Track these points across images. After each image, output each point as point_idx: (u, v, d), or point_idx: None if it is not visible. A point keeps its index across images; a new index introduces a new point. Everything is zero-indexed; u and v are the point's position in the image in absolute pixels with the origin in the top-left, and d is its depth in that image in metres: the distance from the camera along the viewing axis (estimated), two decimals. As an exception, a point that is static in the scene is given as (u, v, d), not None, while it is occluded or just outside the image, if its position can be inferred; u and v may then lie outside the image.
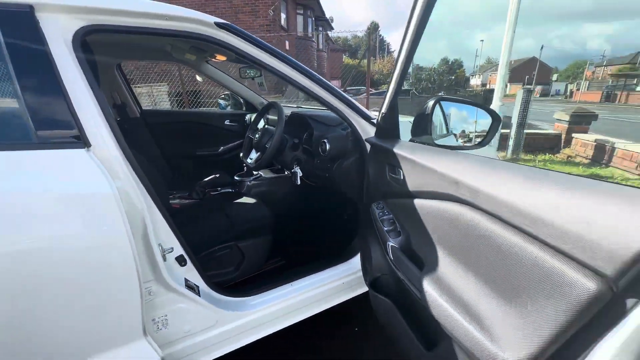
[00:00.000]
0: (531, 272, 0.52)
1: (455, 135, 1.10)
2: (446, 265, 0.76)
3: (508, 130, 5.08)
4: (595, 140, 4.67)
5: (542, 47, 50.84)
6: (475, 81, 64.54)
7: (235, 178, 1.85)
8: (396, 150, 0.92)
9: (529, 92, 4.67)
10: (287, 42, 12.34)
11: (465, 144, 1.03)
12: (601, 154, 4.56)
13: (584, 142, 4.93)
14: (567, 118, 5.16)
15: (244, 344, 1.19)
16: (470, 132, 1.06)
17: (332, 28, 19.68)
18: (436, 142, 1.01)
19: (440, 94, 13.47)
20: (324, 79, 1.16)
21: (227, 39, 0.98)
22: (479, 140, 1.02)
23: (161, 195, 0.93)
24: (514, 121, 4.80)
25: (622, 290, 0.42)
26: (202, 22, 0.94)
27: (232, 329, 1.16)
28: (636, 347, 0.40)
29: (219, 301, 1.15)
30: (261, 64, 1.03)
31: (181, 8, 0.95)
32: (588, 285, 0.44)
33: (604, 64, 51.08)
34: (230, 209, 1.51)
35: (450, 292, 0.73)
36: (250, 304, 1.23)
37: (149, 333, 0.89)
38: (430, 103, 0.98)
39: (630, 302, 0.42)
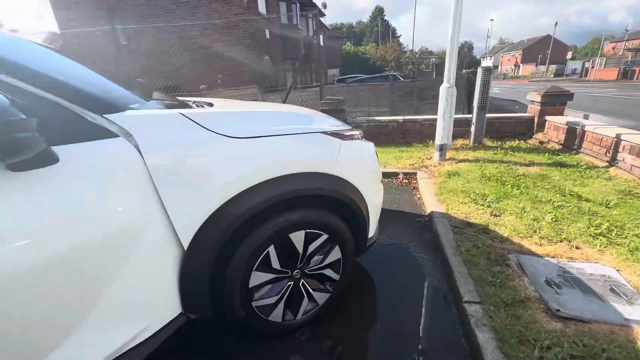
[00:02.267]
0: None
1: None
2: None
3: (470, 115, 4.60)
4: (567, 123, 4.16)
5: (556, 24, 48.03)
6: (486, 63, 61.85)
7: None
8: None
9: (488, 72, 4.17)
10: (267, 31, 11.88)
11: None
12: (572, 139, 4.05)
13: (556, 125, 4.41)
14: (539, 99, 4.63)
15: None
16: None
17: (323, 14, 18.97)
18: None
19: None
20: None
21: None
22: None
23: None
24: (475, 104, 4.33)
25: None
26: None
27: None
28: None
29: None
30: None
31: None
32: None
33: (625, 38, 47.81)
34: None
35: None
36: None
37: None
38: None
39: None
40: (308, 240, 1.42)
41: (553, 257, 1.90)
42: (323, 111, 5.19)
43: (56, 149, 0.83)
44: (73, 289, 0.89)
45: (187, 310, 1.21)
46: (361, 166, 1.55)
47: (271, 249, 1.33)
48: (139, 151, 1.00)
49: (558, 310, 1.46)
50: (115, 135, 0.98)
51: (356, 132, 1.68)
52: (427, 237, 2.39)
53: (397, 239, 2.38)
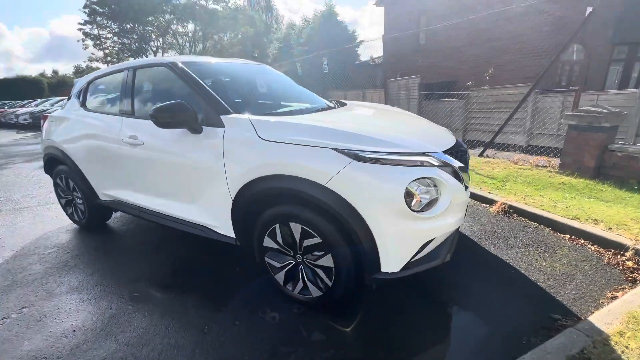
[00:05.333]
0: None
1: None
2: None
3: None
4: None
5: None
6: None
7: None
8: None
9: None
10: (588, 9, 8.78)
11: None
12: None
13: None
14: None
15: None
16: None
17: None
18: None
19: None
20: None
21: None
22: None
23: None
24: None
25: None
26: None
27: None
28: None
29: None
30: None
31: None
32: None
33: None
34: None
35: None
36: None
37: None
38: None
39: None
40: (303, 234, 1.67)
41: None
42: (570, 127, 3.69)
43: (205, 128, 1.87)
44: (190, 184, 2.03)
45: (237, 238, 1.96)
46: (369, 191, 1.46)
47: (277, 226, 1.75)
48: (223, 137, 1.80)
49: None
50: (222, 126, 1.83)
51: (402, 158, 1.51)
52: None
53: (485, 316, 1.75)
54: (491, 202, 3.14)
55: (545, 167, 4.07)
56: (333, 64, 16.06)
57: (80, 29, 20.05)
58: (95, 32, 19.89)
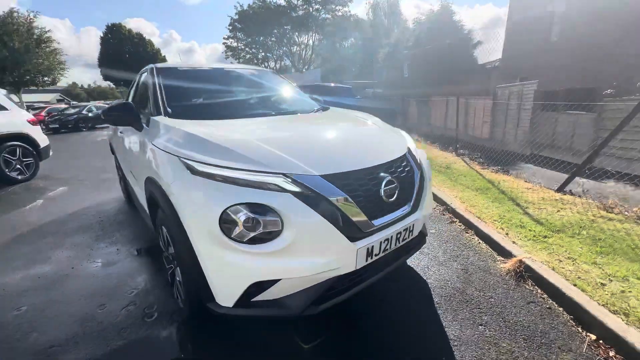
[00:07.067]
0: None
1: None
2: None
3: None
4: None
5: None
6: None
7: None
8: None
9: None
10: None
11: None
12: None
13: None
14: None
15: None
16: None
17: None
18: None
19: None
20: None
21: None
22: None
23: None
24: None
25: None
26: None
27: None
28: None
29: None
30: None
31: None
32: None
33: None
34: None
35: None
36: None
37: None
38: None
39: None
40: (167, 241, 1.63)
41: None
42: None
43: (144, 127, 2.04)
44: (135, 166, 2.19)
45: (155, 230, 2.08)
46: (192, 208, 1.29)
47: (160, 228, 1.75)
48: (145, 137, 1.94)
49: None
50: (149, 127, 1.98)
51: (239, 176, 1.28)
52: None
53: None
54: (509, 255, 2.26)
55: (654, 222, 2.61)
56: (440, 67, 14.61)
57: (224, 43, 25.19)
58: (235, 44, 24.54)
